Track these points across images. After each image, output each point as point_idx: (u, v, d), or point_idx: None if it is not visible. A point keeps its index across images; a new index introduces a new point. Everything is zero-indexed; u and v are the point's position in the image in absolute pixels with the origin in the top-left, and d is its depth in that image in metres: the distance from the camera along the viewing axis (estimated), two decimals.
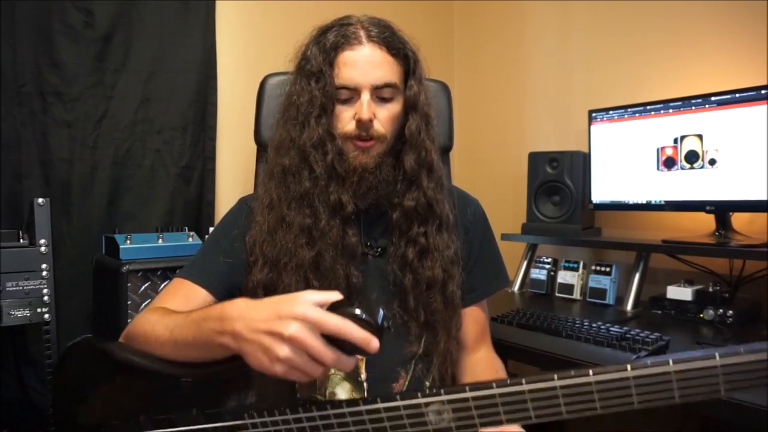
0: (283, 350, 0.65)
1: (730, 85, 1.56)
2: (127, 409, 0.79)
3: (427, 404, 0.69)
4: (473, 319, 1.05)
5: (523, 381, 0.66)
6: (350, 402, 0.72)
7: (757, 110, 1.48)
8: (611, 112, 1.79)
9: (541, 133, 2.23)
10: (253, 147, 1.49)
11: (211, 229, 1.70)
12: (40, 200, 1.31)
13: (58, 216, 1.54)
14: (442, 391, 0.68)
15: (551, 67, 2.19)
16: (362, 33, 0.93)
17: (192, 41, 1.77)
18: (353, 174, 0.93)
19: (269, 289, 0.93)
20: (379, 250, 0.99)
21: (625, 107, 1.76)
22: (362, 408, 0.71)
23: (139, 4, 1.66)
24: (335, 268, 0.92)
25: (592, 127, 1.84)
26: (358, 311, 0.67)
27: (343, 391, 0.93)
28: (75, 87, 1.57)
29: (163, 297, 0.96)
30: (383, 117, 0.94)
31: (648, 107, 1.70)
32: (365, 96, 0.92)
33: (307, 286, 0.90)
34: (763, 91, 1.48)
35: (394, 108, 0.95)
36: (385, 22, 0.98)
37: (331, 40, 0.93)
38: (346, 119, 0.93)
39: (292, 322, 0.65)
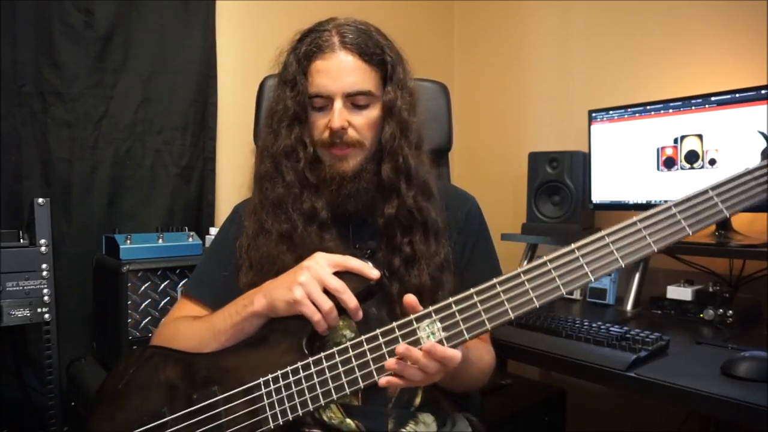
0: (302, 276, 0.81)
1: (730, 85, 1.56)
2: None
3: (418, 320, 0.78)
4: None
5: (494, 280, 0.76)
6: (353, 339, 0.81)
7: (757, 110, 1.48)
8: (611, 112, 1.79)
9: (541, 133, 2.23)
10: (253, 147, 1.49)
11: (212, 229, 1.72)
12: (40, 200, 1.31)
13: (58, 216, 1.54)
14: (429, 307, 0.78)
15: (551, 67, 2.19)
16: (336, 40, 0.93)
17: (192, 41, 1.77)
18: (331, 182, 0.94)
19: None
20: (369, 252, 0.98)
21: (625, 107, 1.76)
22: (363, 338, 0.80)
23: (139, 4, 1.66)
24: None
25: (592, 127, 1.84)
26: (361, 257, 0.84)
27: None
28: (75, 87, 1.57)
29: (171, 315, 1.04)
30: (359, 124, 0.93)
31: (648, 107, 1.70)
32: (338, 104, 0.92)
33: None
34: (763, 91, 1.47)
35: (370, 114, 0.94)
36: (363, 26, 0.96)
37: (304, 49, 0.93)
38: (320, 127, 0.94)
39: (310, 260, 0.83)
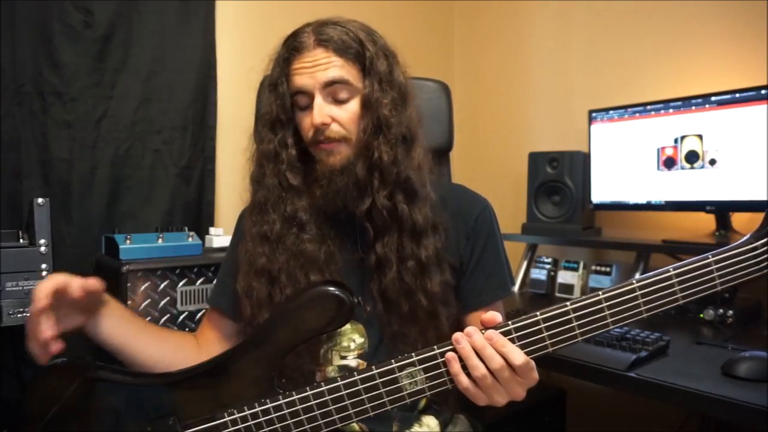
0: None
1: (730, 85, 1.56)
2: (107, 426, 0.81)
3: (400, 368, 0.74)
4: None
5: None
6: (329, 381, 0.76)
7: (757, 110, 1.48)
8: (611, 112, 1.79)
9: (541, 133, 2.23)
10: (253, 147, 1.49)
11: (212, 229, 1.72)
12: (40, 200, 1.31)
13: (58, 216, 1.53)
14: (413, 354, 0.75)
15: (551, 67, 2.19)
16: (311, 39, 0.92)
17: (192, 41, 1.76)
18: (322, 177, 0.93)
19: (250, 297, 0.95)
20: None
21: (625, 107, 1.76)
22: (340, 383, 0.76)
23: (139, 4, 1.66)
24: (294, 275, 0.93)
25: (592, 127, 1.84)
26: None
27: None
28: (75, 87, 1.57)
29: (201, 324, 1.10)
30: (342, 118, 0.92)
31: (648, 107, 1.70)
32: (318, 100, 0.91)
33: (273, 293, 0.94)
34: (763, 91, 1.48)
35: (352, 108, 0.92)
36: (342, 22, 0.95)
37: (283, 52, 0.95)
38: (306, 127, 0.94)
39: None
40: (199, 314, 1.46)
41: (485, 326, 0.74)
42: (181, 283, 1.44)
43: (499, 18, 2.37)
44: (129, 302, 1.37)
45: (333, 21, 0.95)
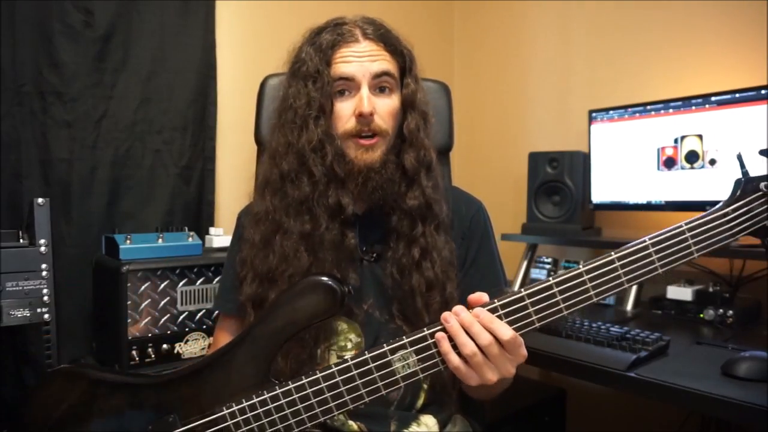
0: None
1: (730, 85, 1.56)
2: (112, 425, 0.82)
3: (392, 351, 0.76)
4: None
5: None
6: (324, 368, 0.78)
7: (757, 110, 1.48)
8: (611, 112, 1.79)
9: (541, 133, 2.23)
10: (253, 147, 1.49)
11: (212, 229, 1.72)
12: (40, 200, 1.31)
13: (58, 216, 1.53)
14: (404, 337, 0.77)
15: (551, 67, 2.19)
16: (358, 31, 0.93)
17: (192, 41, 1.76)
18: (358, 174, 0.91)
19: (257, 303, 0.94)
20: (375, 255, 0.98)
21: (626, 107, 1.76)
22: (334, 370, 0.77)
23: (139, 4, 1.66)
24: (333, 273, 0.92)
25: (592, 127, 1.84)
26: None
27: None
28: (75, 87, 1.57)
29: (215, 332, 1.10)
30: (383, 111, 0.92)
31: (648, 107, 1.70)
32: (364, 90, 0.90)
33: None
34: (763, 91, 1.47)
35: (392, 102, 0.94)
36: (378, 20, 0.97)
37: (327, 39, 0.92)
38: (345, 117, 0.91)
39: None
40: (199, 314, 1.46)
41: (472, 306, 0.76)
42: (181, 283, 1.44)
43: (499, 18, 2.37)
44: (129, 302, 1.37)
45: (368, 18, 0.96)
